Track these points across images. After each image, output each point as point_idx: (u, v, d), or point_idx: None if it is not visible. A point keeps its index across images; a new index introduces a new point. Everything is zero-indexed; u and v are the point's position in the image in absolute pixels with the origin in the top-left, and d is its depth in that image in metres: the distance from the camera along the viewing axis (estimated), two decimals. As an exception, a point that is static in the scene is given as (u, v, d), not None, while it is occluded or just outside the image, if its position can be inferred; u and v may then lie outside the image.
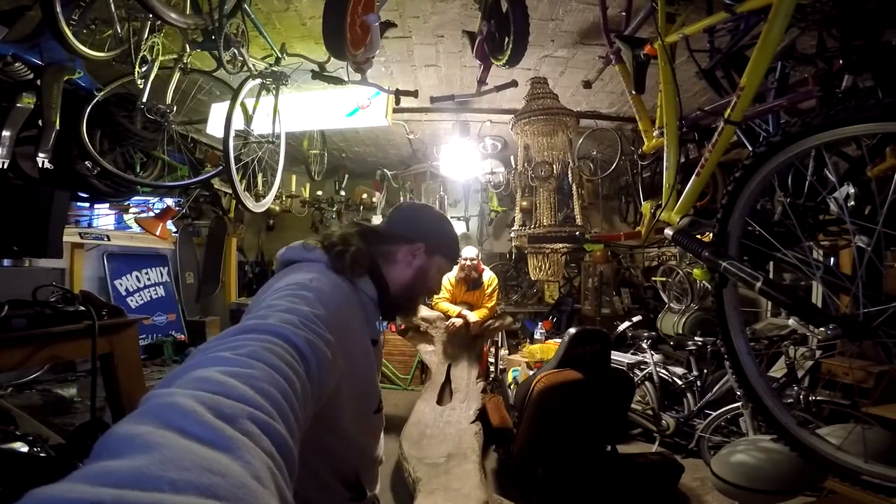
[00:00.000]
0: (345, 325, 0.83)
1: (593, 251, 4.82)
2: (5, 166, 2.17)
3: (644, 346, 3.94)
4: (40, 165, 2.28)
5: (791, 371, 2.94)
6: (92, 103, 2.47)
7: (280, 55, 2.67)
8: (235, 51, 2.37)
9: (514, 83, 2.82)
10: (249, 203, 2.91)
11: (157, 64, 2.38)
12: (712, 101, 1.66)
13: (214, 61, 2.33)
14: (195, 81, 2.84)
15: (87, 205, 3.38)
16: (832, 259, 2.31)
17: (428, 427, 3.02)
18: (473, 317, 3.86)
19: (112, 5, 2.08)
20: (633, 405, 3.52)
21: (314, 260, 0.93)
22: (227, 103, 2.56)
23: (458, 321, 3.82)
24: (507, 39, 2.12)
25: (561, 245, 3.20)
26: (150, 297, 3.94)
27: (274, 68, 2.72)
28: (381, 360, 1.30)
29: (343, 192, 5.48)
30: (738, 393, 2.95)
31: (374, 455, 1.04)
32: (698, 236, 1.44)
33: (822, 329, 1.07)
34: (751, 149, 1.44)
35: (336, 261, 0.92)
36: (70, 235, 3.14)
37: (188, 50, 2.47)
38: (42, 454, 1.72)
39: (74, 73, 2.32)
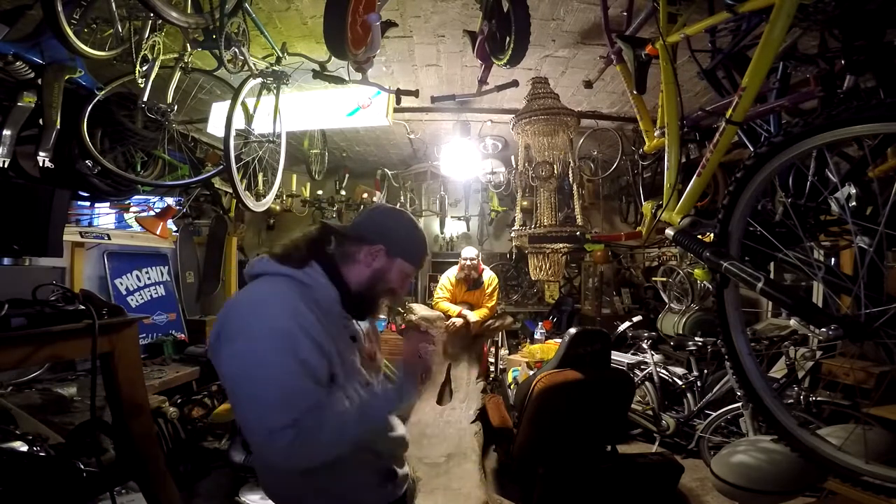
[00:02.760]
0: (316, 321, 1.00)
1: (594, 251, 4.81)
2: (6, 165, 2.17)
3: (644, 346, 3.94)
4: (41, 164, 2.27)
5: (792, 372, 2.94)
6: (93, 102, 2.46)
7: (281, 54, 2.67)
8: (236, 50, 2.36)
9: (514, 83, 2.81)
10: (250, 202, 2.91)
11: (157, 63, 2.37)
12: (714, 102, 1.65)
13: (215, 60, 2.32)
14: (196, 81, 2.83)
15: (87, 204, 3.37)
16: (833, 259, 2.31)
17: (428, 427, 3.02)
18: (473, 316, 3.87)
19: (113, 4, 2.08)
20: (633, 405, 3.52)
21: (273, 273, 1.06)
22: (227, 103, 2.55)
23: (459, 321, 3.83)
24: (508, 39, 2.11)
25: (561, 245, 3.20)
26: (151, 296, 3.93)
27: (275, 68, 2.72)
28: (377, 355, 1.32)
29: (344, 192, 5.46)
30: (739, 393, 2.95)
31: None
32: (699, 236, 1.43)
33: (823, 330, 1.06)
34: (752, 149, 1.44)
35: (283, 262, 1.07)
36: (70, 234, 3.13)
37: (189, 49, 2.46)
38: (42, 453, 1.73)
39: (75, 72, 2.31)
